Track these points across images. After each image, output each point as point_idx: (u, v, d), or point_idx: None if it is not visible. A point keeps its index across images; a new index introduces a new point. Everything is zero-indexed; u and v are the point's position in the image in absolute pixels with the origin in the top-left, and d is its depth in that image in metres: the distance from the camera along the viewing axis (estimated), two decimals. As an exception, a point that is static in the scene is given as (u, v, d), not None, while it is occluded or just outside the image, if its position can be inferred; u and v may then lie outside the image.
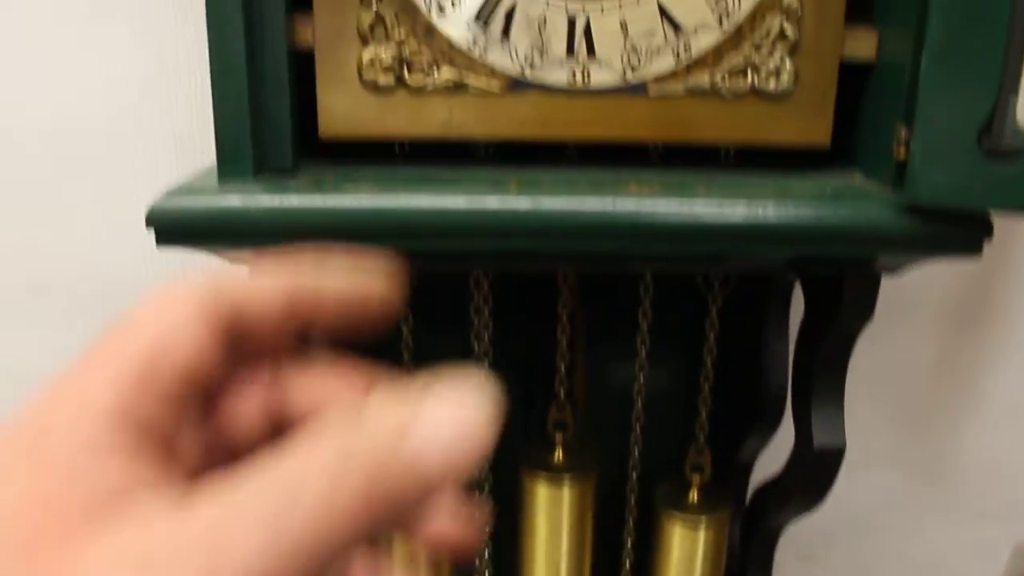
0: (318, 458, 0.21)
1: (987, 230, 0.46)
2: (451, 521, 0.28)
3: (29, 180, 0.68)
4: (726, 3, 0.46)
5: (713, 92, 0.47)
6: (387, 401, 0.22)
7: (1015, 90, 0.44)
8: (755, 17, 0.47)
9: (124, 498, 0.21)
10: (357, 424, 0.21)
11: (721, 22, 0.46)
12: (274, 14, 0.45)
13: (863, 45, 0.48)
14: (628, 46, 0.46)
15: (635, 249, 0.45)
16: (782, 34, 0.47)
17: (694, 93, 0.47)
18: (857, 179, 0.50)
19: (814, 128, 0.48)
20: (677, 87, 0.47)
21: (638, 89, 0.47)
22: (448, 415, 0.21)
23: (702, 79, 0.47)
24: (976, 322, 0.77)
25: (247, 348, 0.26)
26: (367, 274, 0.28)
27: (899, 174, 0.46)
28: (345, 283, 0.27)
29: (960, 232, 0.46)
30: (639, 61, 0.47)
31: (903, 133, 0.46)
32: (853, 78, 0.50)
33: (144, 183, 0.67)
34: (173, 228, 0.45)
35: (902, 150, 0.46)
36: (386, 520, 0.21)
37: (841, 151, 0.51)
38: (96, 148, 0.67)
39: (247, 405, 0.27)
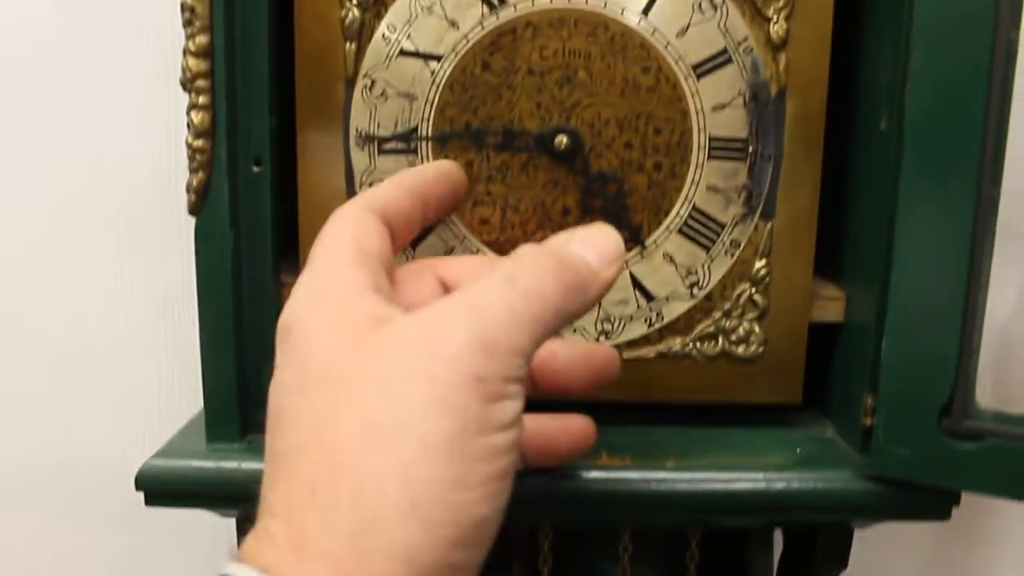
0: (519, 261, 0.32)
1: (955, 499, 0.47)
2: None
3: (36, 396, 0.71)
4: (696, 274, 0.48)
5: (685, 356, 0.49)
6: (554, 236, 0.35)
7: (974, 371, 0.46)
8: (724, 286, 0.49)
9: (391, 318, 0.32)
10: (538, 245, 0.34)
11: (692, 291, 0.48)
12: (263, 290, 0.48)
13: (831, 309, 0.50)
14: (602, 314, 0.48)
15: (604, 518, 0.47)
16: (751, 301, 0.49)
17: (666, 357, 0.49)
18: (829, 431, 0.51)
19: (784, 389, 0.50)
20: (649, 352, 0.49)
21: (612, 353, 0.49)
22: (594, 230, 0.35)
23: (674, 344, 0.49)
24: (971, 527, 0.76)
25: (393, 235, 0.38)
26: (443, 165, 0.43)
27: (866, 440, 0.47)
28: (437, 168, 0.43)
29: (928, 501, 0.47)
30: (613, 328, 0.49)
31: (869, 401, 0.47)
32: (826, 333, 0.51)
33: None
34: (161, 490, 0.47)
35: (868, 419, 0.47)
36: (574, 302, 0.33)
37: (815, 396, 0.53)
38: (94, 373, 0.70)
39: (413, 281, 0.39)
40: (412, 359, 0.29)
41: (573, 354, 0.42)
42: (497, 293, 0.31)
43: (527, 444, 0.39)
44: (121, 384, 0.71)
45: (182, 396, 0.70)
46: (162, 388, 0.71)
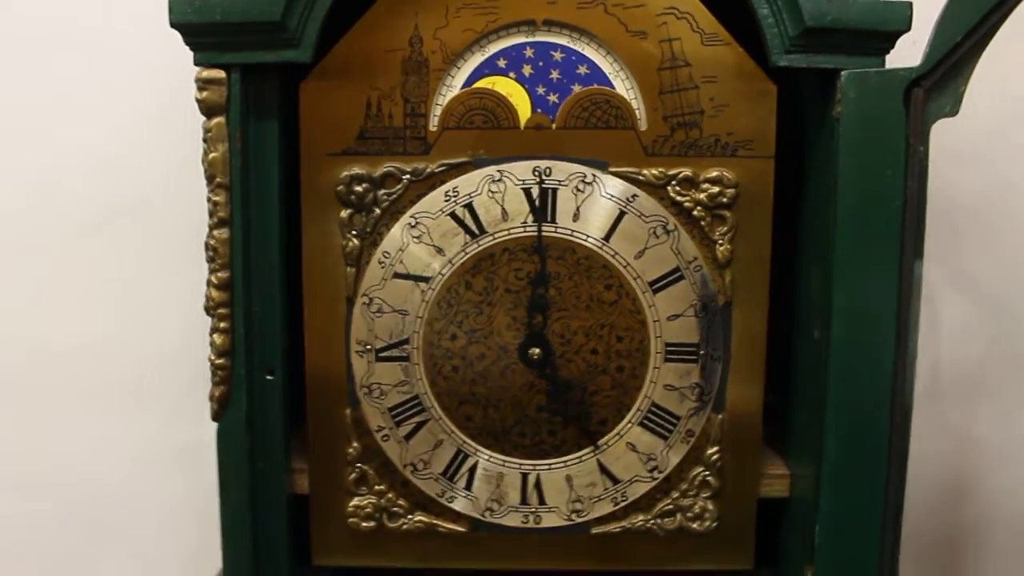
0: None
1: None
2: None
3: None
4: (656, 459, 0.55)
5: (647, 531, 0.56)
6: None
7: (896, 554, 0.52)
8: (681, 469, 0.55)
9: None
10: None
11: (652, 475, 0.55)
12: (275, 478, 0.54)
13: (778, 485, 0.57)
14: (573, 496, 0.55)
15: None
16: (705, 483, 0.55)
17: (630, 532, 0.56)
18: (781, 591, 0.58)
19: (737, 557, 0.56)
20: (615, 527, 0.56)
21: (582, 528, 0.55)
22: None
23: (637, 520, 0.55)
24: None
25: None
26: None
27: (810, 609, 0.53)
28: None
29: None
30: (582, 507, 0.55)
31: (809, 574, 0.53)
32: (778, 501, 0.58)
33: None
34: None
35: (809, 589, 0.53)
36: None
37: (772, 556, 0.59)
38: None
39: None
40: None
41: None
42: None
43: None
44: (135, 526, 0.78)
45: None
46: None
